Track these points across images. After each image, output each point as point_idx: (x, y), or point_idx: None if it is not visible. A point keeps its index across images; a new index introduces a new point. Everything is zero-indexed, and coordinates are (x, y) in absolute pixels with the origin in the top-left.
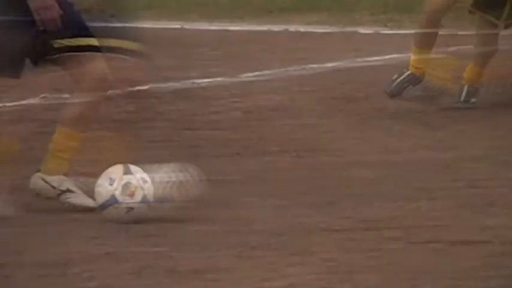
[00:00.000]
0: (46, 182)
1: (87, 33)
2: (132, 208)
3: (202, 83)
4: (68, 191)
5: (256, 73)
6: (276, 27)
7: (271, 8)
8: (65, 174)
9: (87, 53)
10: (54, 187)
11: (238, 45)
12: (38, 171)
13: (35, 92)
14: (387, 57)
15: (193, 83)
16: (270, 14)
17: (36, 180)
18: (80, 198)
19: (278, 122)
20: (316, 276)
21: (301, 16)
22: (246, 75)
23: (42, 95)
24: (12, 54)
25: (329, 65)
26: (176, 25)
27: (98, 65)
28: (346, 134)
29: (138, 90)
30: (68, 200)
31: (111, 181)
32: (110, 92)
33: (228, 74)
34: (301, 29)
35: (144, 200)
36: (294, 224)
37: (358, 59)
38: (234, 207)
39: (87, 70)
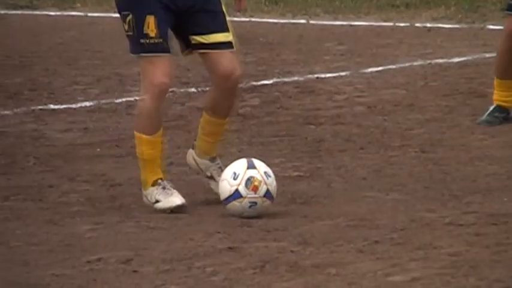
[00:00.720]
0: (196, 163)
1: (220, 28)
2: (255, 203)
3: (326, 77)
4: (211, 177)
5: (381, 68)
6: (401, 23)
7: (397, 3)
8: (213, 158)
9: (219, 49)
10: (202, 170)
11: (362, 40)
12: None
13: None
14: None
15: (318, 77)
16: (396, 9)
17: (190, 157)
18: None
19: (402, 117)
20: (440, 270)
21: (428, 11)
22: (370, 70)
23: (170, 89)
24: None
25: (456, 60)
26: (301, 20)
27: (227, 59)
28: (472, 129)
29: (262, 85)
30: (210, 185)
31: (235, 175)
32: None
33: (352, 68)
34: (428, 24)
35: (267, 194)
36: (417, 218)
37: (487, 55)
38: (356, 202)
39: (219, 64)
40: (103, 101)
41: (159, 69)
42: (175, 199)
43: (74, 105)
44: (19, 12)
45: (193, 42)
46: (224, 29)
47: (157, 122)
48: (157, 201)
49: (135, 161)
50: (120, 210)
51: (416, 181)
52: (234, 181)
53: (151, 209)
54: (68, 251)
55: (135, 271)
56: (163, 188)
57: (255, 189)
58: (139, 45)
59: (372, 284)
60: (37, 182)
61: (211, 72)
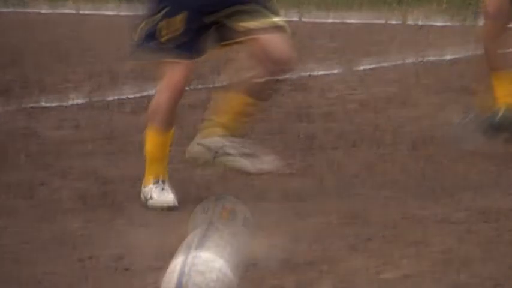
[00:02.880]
0: (205, 145)
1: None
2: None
3: (318, 74)
4: (225, 154)
5: (373, 65)
6: (393, 20)
7: (390, 0)
8: (222, 136)
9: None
10: (210, 148)
11: (355, 37)
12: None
13: (156, 84)
14: (509, 50)
15: (310, 74)
16: (388, 6)
17: (193, 146)
18: (236, 160)
19: (394, 114)
20: (432, 267)
21: (420, 8)
22: (362, 67)
23: None
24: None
25: (448, 57)
26: (293, 17)
27: (281, 42)
28: None
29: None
30: (226, 159)
31: (205, 210)
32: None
33: (344, 65)
34: (420, 21)
35: (246, 223)
36: (408, 215)
37: (479, 52)
38: (348, 199)
39: (273, 49)
40: (94, 98)
41: (179, 69)
42: (169, 199)
43: (65, 103)
44: (10, 9)
45: (240, 29)
46: (273, 12)
47: (171, 118)
48: (151, 198)
49: (127, 158)
50: (112, 208)
51: (408, 178)
52: (205, 215)
53: (143, 206)
54: (60, 249)
55: (126, 269)
56: (162, 188)
57: (228, 216)
58: (162, 45)
59: (364, 281)
60: (28, 179)
61: (261, 58)
